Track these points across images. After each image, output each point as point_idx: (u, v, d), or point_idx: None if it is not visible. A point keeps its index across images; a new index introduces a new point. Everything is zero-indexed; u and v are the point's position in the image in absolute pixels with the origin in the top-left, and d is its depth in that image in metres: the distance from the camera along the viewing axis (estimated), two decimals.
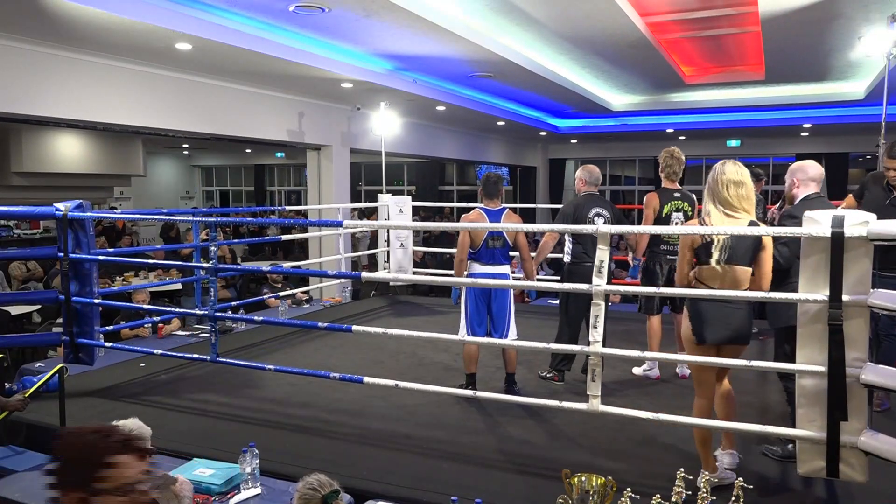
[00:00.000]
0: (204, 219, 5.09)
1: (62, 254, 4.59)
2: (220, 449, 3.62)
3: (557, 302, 5.45)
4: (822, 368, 2.82)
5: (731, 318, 3.22)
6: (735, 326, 3.22)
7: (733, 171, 3.20)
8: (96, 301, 4.73)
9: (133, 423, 2.86)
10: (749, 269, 3.21)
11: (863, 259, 2.76)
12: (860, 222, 2.74)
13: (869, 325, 2.84)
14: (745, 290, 3.21)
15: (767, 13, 6.27)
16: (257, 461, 3.20)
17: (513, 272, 5.08)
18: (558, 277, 6.98)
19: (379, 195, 8.59)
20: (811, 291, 2.85)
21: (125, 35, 5.62)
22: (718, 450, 3.47)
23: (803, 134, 14.12)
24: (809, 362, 2.87)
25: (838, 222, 2.76)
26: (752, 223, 3.16)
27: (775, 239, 3.45)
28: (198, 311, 5.16)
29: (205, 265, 4.68)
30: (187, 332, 6.31)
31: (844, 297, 2.76)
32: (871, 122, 8.58)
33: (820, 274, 2.83)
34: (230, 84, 7.76)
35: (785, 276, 3.55)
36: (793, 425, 3.03)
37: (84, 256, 4.64)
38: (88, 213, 4.73)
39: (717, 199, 3.21)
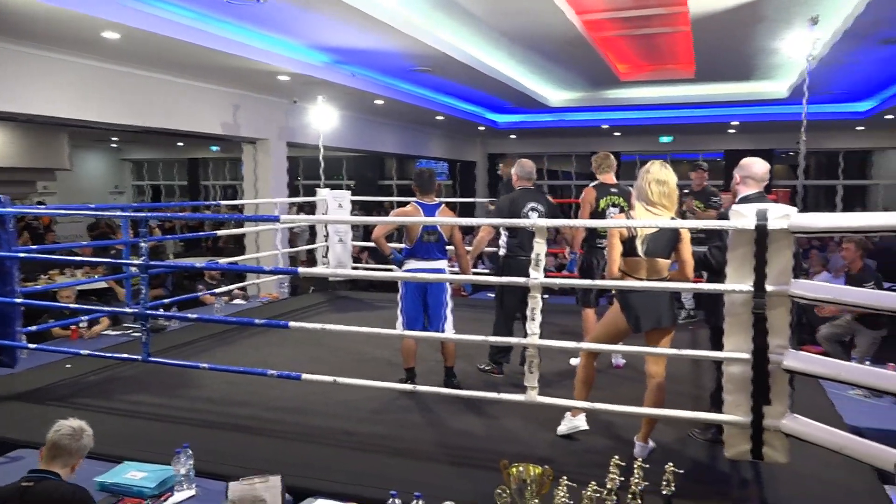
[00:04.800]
0: (134, 214, 4.93)
1: None
2: (152, 451, 3.51)
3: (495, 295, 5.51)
4: (747, 356, 2.94)
5: (658, 306, 3.51)
6: (660, 312, 3.51)
7: (658, 171, 3.52)
8: (18, 301, 4.53)
9: (76, 423, 2.72)
10: (668, 261, 3.53)
11: (785, 251, 2.88)
12: (782, 216, 2.86)
13: (791, 313, 2.98)
14: (666, 278, 3.54)
15: (697, 14, 6.47)
16: (192, 462, 3.13)
17: (451, 266, 5.10)
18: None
19: (317, 189, 8.48)
20: (737, 282, 2.97)
21: (49, 22, 5.37)
22: (635, 440, 3.58)
23: (731, 131, 14.63)
24: (735, 350, 2.99)
25: (762, 215, 2.87)
26: (672, 219, 3.46)
27: (710, 242, 3.61)
28: (128, 310, 4.99)
29: (135, 262, 4.53)
30: (118, 332, 6.10)
31: (768, 287, 2.88)
32: (793, 120, 8.97)
33: (746, 265, 2.94)
34: (161, 75, 7.52)
35: (720, 279, 3.64)
36: (718, 410, 3.15)
37: (4, 254, 4.43)
38: (9, 209, 4.52)
39: (641, 196, 3.53)
